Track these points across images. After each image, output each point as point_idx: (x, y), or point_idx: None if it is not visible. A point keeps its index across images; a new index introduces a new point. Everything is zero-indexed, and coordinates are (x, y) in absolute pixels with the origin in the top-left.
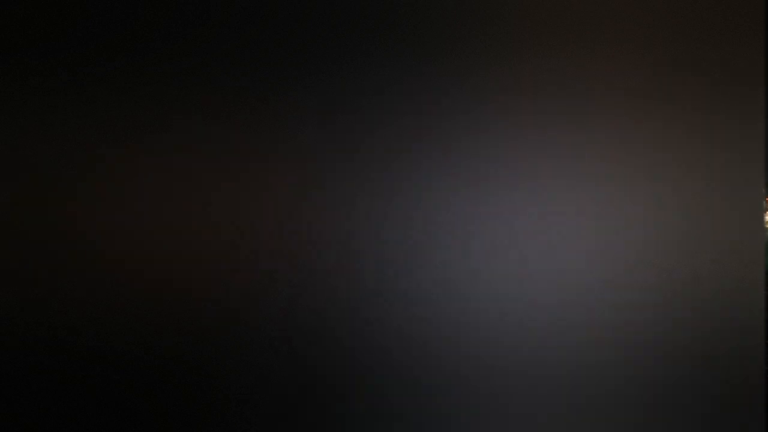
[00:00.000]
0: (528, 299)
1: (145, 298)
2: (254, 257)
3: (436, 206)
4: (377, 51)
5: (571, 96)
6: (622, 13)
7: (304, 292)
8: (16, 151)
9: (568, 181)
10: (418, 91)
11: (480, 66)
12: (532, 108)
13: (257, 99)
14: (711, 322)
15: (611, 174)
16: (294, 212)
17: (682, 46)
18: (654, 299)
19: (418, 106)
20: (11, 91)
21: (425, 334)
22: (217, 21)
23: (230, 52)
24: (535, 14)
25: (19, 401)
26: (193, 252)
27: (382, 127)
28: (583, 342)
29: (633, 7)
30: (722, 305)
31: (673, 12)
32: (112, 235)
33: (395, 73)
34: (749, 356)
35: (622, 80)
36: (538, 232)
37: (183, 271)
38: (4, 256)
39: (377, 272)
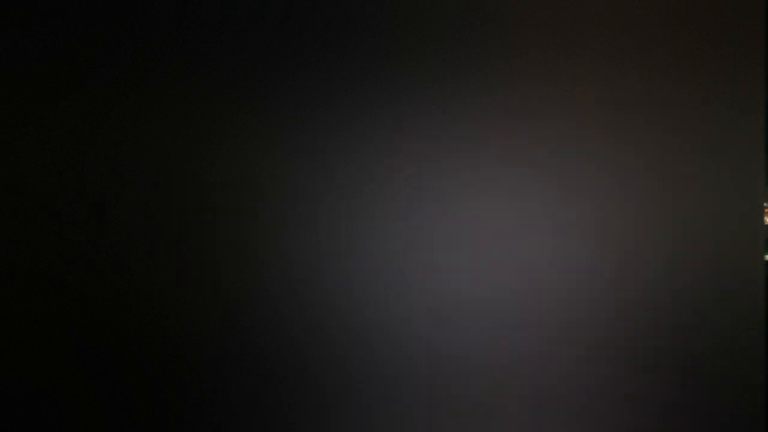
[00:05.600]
0: (528, 299)
1: (144, 297)
2: (253, 257)
3: (436, 206)
4: (376, 51)
5: (572, 95)
6: (622, 13)
7: (303, 292)
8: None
9: (567, 180)
10: (417, 92)
11: (479, 66)
12: (531, 108)
13: (256, 99)
14: (711, 322)
15: (611, 174)
16: (293, 212)
17: (682, 47)
18: (654, 299)
19: (418, 106)
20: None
21: (427, 335)
22: (216, 21)
23: (229, 51)
24: (536, 14)
25: (19, 401)
26: (192, 252)
27: (380, 126)
28: (583, 342)
29: (633, 7)
30: (722, 305)
31: (673, 12)
32: (108, 235)
33: (393, 73)
34: (749, 356)
35: (622, 80)
36: (538, 231)
37: (182, 271)
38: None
39: (377, 272)
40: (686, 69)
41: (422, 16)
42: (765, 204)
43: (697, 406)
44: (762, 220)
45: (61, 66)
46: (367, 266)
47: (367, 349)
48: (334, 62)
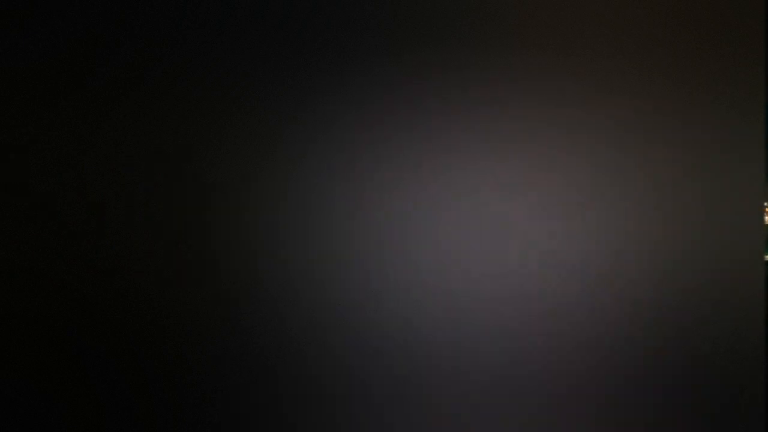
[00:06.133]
0: (527, 299)
1: (144, 297)
2: (253, 257)
3: (437, 206)
4: (376, 51)
5: (571, 95)
6: (623, 13)
7: (303, 292)
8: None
9: (567, 180)
10: (417, 92)
11: (480, 66)
12: (531, 107)
13: (256, 99)
14: (711, 322)
15: (611, 174)
16: (293, 212)
17: (682, 47)
18: (654, 299)
19: (418, 105)
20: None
21: (428, 335)
22: (216, 21)
23: (229, 51)
24: (536, 14)
25: (19, 401)
26: (192, 252)
27: (380, 126)
28: (582, 342)
29: (633, 7)
30: (722, 305)
31: (673, 12)
32: (108, 235)
33: (393, 73)
34: (749, 356)
35: (623, 80)
36: (538, 231)
37: (182, 271)
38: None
39: (378, 272)
40: (686, 69)
41: (422, 16)
42: (765, 204)
43: (697, 406)
44: (762, 220)
45: (61, 66)
46: (367, 266)
47: (367, 349)
48: (334, 62)
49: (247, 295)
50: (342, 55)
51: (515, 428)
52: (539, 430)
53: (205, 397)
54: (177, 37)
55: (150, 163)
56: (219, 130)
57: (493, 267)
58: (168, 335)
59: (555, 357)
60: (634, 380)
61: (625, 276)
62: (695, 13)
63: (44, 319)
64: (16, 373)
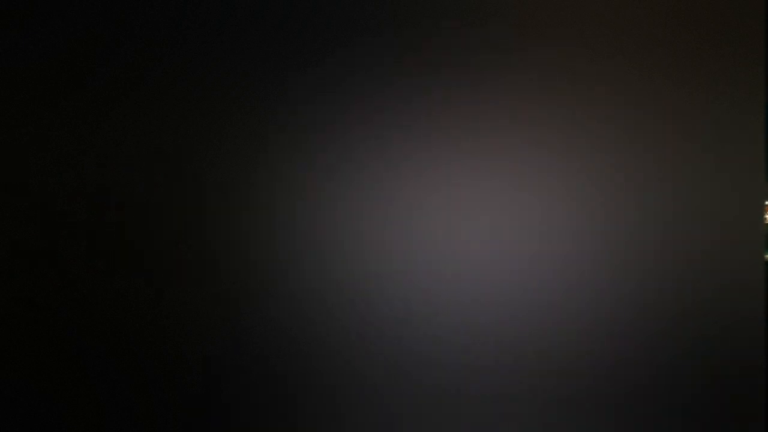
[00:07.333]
0: (527, 299)
1: (144, 297)
2: (253, 257)
3: (437, 206)
4: (376, 51)
5: (571, 95)
6: (623, 13)
7: (303, 292)
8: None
9: (567, 180)
10: (417, 91)
11: (480, 66)
12: (531, 107)
13: (256, 99)
14: (711, 322)
15: (611, 173)
16: (293, 212)
17: (683, 47)
18: (653, 298)
19: (419, 105)
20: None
21: (428, 335)
22: (216, 21)
23: (229, 51)
24: (535, 14)
25: (20, 401)
26: (192, 252)
27: (380, 126)
28: (581, 342)
29: (633, 7)
30: (722, 305)
31: (673, 12)
32: (108, 235)
33: (393, 72)
34: (749, 356)
35: (623, 80)
36: (538, 230)
37: (182, 271)
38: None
39: (378, 272)
40: (686, 69)
41: (422, 16)
42: (765, 203)
43: (697, 406)
44: (762, 220)
45: (61, 66)
46: (367, 266)
47: (368, 349)
48: (334, 62)
49: (247, 295)
50: (342, 55)
51: (515, 426)
52: (538, 428)
53: (205, 397)
54: (177, 37)
55: (150, 163)
56: (219, 130)
57: (493, 267)
58: (168, 335)
59: (554, 358)
60: (634, 380)
61: (625, 276)
62: (695, 13)
63: (44, 319)
64: (16, 373)
